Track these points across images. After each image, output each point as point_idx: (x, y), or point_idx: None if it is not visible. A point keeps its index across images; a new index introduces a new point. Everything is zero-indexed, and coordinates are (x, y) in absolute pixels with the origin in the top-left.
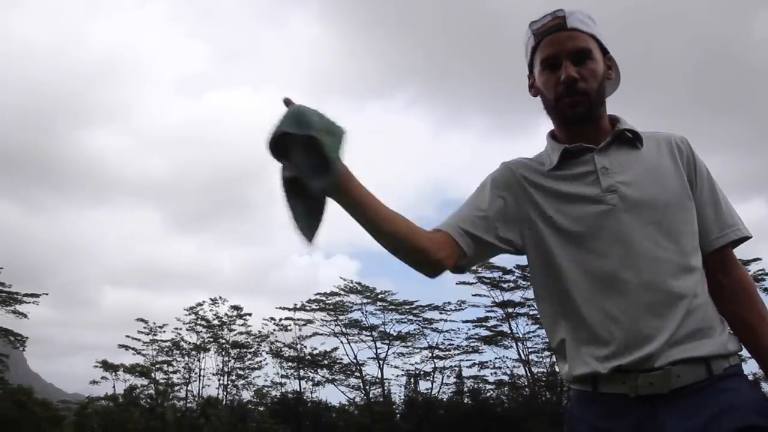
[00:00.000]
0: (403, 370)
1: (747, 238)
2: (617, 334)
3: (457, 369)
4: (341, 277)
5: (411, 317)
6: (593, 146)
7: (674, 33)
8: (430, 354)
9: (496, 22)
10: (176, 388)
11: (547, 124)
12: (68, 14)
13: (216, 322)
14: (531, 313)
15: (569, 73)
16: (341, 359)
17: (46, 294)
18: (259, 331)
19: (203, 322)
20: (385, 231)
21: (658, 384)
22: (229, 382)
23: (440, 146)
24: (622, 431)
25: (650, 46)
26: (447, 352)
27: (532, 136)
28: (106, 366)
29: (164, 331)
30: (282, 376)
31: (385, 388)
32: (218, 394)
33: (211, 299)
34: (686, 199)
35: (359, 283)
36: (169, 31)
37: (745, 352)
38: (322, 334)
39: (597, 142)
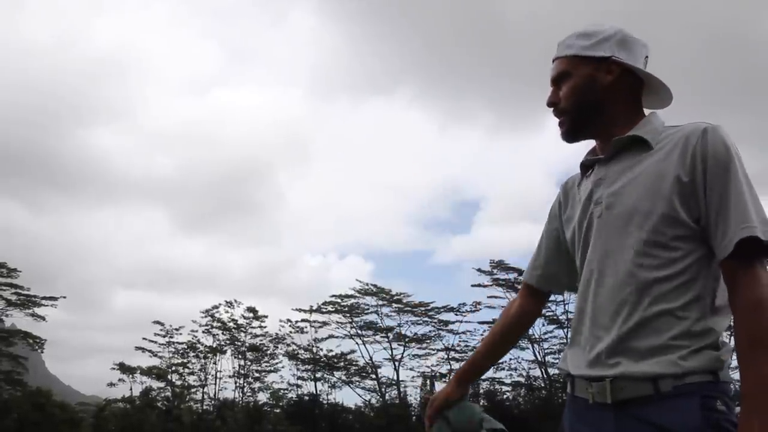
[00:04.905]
0: (418, 371)
1: (756, 239)
2: (580, 341)
3: None
4: (357, 280)
5: (427, 319)
6: (602, 157)
7: (676, 20)
8: (446, 355)
9: (498, 16)
10: (193, 390)
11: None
12: (72, 13)
13: (232, 324)
14: (547, 314)
15: (547, 100)
16: (357, 361)
17: (64, 297)
18: (276, 334)
19: (219, 325)
20: (500, 356)
21: (602, 394)
22: (245, 385)
23: (448, 142)
24: None
25: (650, 35)
26: (463, 354)
27: (539, 130)
28: (123, 368)
29: (180, 334)
30: (298, 378)
31: (401, 389)
32: (234, 396)
33: (227, 302)
34: (672, 207)
35: (375, 285)
36: (173, 29)
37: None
38: (337, 336)
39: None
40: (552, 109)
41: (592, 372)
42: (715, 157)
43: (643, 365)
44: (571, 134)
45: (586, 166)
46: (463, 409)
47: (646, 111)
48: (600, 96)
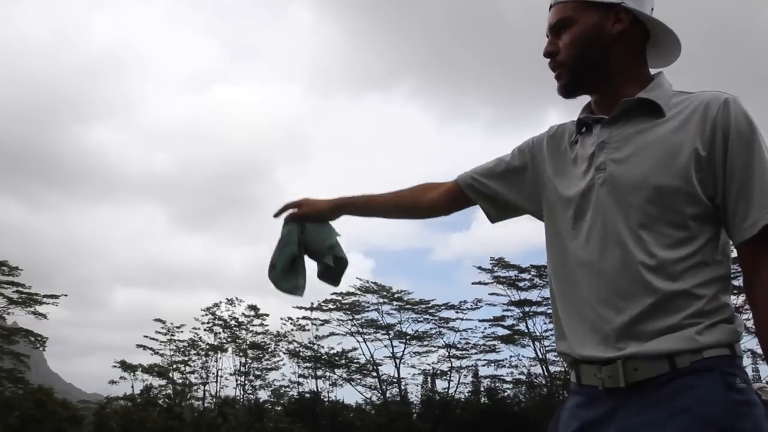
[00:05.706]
0: (419, 369)
1: None
2: (581, 319)
3: (473, 368)
4: (357, 277)
5: (427, 316)
6: (605, 117)
7: (675, 12)
8: (447, 353)
9: (497, 10)
10: (194, 388)
11: (554, 111)
12: (71, 9)
13: (233, 322)
14: (548, 311)
15: (544, 50)
16: (358, 359)
17: (66, 295)
18: (277, 331)
19: (220, 322)
20: (387, 217)
21: (615, 377)
22: (246, 382)
23: (447, 138)
24: (589, 420)
25: None
26: (464, 352)
27: (539, 126)
28: (125, 366)
29: (181, 331)
30: (299, 376)
31: (402, 387)
32: (235, 393)
33: (228, 299)
34: (689, 183)
35: (375, 283)
36: (172, 26)
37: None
38: (338, 334)
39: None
40: (549, 60)
41: (601, 353)
42: (738, 131)
43: (658, 342)
44: (569, 88)
45: (585, 124)
46: (324, 227)
47: (652, 71)
48: (606, 47)
